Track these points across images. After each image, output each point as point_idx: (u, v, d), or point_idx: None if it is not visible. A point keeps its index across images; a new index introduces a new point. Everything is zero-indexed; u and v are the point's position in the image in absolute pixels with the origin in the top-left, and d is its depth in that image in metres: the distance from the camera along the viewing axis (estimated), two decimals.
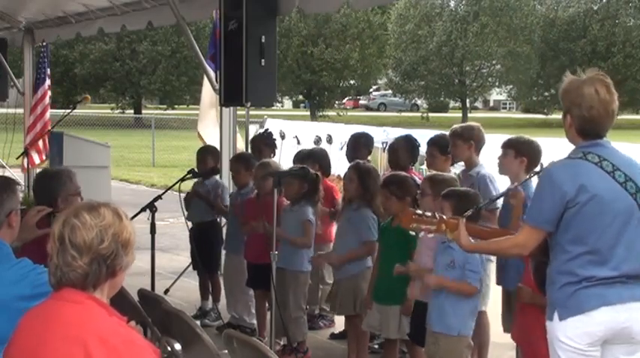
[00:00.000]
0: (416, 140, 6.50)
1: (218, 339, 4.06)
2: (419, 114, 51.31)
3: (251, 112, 9.39)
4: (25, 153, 11.13)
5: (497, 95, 63.28)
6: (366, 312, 5.60)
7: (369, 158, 7.02)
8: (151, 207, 6.09)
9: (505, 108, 70.48)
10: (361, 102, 63.28)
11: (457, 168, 6.54)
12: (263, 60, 7.04)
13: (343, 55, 45.55)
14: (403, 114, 51.65)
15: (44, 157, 12.19)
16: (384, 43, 48.68)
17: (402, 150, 6.38)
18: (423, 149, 6.44)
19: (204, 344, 3.49)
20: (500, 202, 5.19)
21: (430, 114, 48.65)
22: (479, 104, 64.73)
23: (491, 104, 71.26)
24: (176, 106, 45.82)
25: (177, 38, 39.95)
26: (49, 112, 12.50)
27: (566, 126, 3.65)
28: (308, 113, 48.14)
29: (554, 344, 3.57)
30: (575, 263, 3.50)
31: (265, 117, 13.71)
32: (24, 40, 12.49)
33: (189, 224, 7.05)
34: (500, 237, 3.88)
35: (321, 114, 47.04)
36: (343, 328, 6.57)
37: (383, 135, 10.10)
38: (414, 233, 4.63)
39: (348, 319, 6.10)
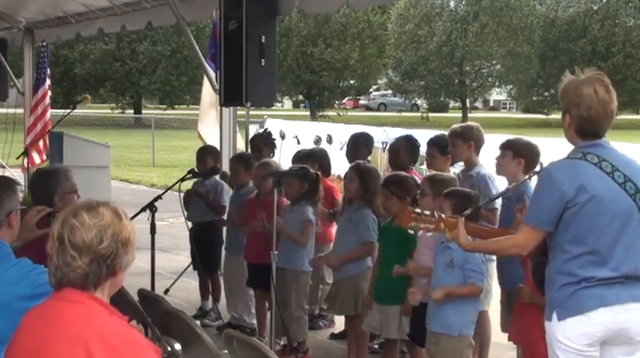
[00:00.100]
0: (416, 140, 6.50)
1: (218, 339, 4.06)
2: (419, 114, 51.25)
3: (251, 112, 9.41)
4: (26, 153, 11.13)
5: (497, 95, 63.29)
6: (366, 313, 5.60)
7: (369, 158, 7.03)
8: (151, 207, 6.09)
9: (505, 108, 70.46)
10: (361, 102, 63.24)
11: (457, 168, 6.55)
12: (263, 60, 7.05)
13: (343, 55, 45.54)
14: (403, 114, 51.61)
15: (44, 157, 12.22)
16: (384, 43, 48.67)
17: (403, 151, 6.39)
18: (423, 149, 6.44)
19: (204, 344, 3.49)
20: (499, 202, 5.19)
21: (430, 115, 48.60)
22: (479, 104, 64.70)
23: (491, 104, 71.23)
24: (176, 106, 45.80)
25: (177, 38, 39.93)
26: (50, 112, 12.52)
27: (565, 126, 3.65)
28: (308, 113, 48.10)
29: (553, 345, 3.57)
30: (574, 263, 3.50)
31: (265, 117, 13.68)
32: (24, 40, 12.50)
33: (189, 224, 7.05)
34: (499, 236, 3.88)
35: (321, 114, 47.01)
36: (343, 328, 6.57)
37: (383, 135, 10.07)
38: (413, 232, 4.63)
39: (348, 319, 6.10)
